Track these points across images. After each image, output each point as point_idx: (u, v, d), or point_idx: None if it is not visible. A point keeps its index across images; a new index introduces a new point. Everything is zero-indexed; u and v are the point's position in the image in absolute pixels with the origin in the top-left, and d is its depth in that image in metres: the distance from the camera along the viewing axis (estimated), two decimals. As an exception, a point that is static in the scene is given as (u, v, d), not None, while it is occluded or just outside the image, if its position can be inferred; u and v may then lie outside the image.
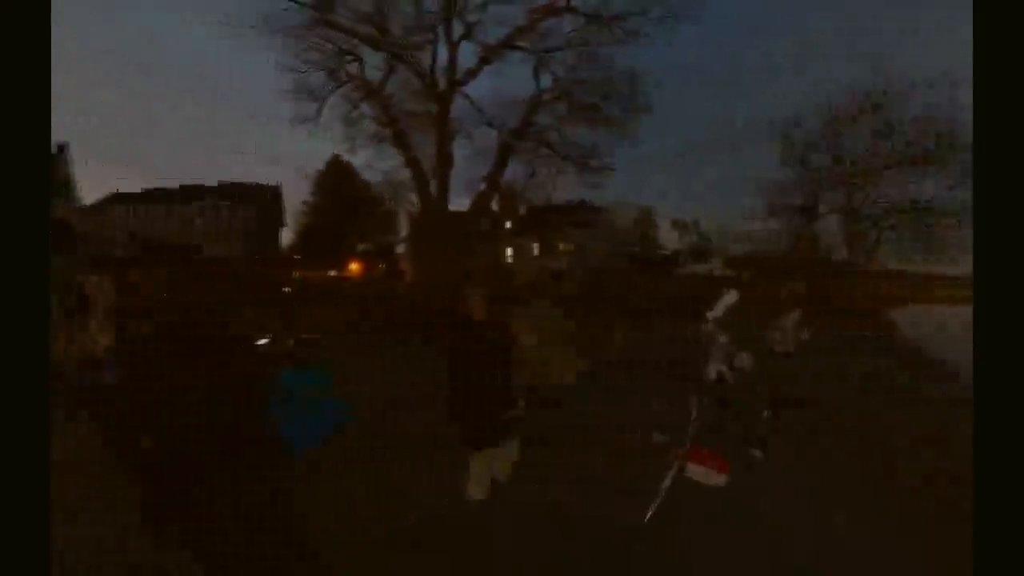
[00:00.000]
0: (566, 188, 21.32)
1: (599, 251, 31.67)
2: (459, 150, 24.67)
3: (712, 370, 3.45)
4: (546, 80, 17.76)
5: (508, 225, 34.06)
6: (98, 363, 1.67)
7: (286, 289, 19.06)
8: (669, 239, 37.22)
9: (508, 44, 16.89)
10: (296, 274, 26.94)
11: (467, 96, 17.60)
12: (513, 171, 19.81)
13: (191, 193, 36.89)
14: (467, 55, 18.23)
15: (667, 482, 2.92)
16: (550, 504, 3.14)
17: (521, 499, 3.14)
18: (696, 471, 3.04)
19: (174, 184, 37.54)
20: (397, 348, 8.72)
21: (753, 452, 3.61)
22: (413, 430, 4.32)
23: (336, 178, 36.03)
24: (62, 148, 34.36)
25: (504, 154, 17.76)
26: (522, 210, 30.93)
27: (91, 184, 41.75)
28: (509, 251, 34.70)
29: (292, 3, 14.77)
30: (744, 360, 3.55)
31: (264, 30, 15.14)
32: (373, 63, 16.64)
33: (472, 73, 17.06)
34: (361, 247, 38.64)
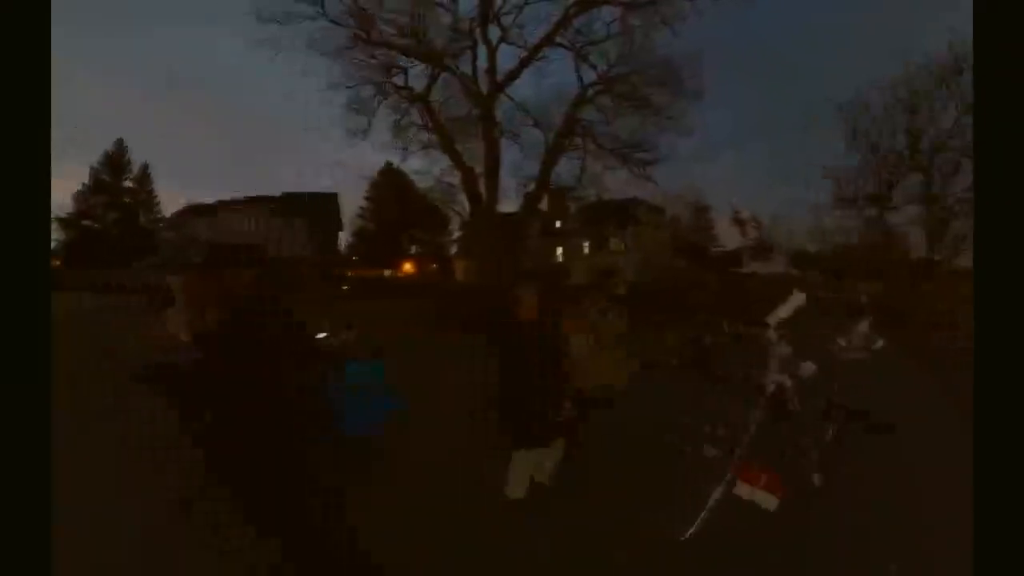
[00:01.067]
0: (617, 184, 20.77)
1: (652, 249, 30.74)
2: (507, 151, 24.73)
3: (771, 380, 3.13)
4: (589, 74, 17.37)
5: (558, 224, 33.91)
6: (177, 348, 1.86)
7: (344, 287, 20.12)
8: (727, 235, 35.35)
9: (547, 42, 16.73)
10: (353, 274, 28.51)
11: (511, 97, 17.64)
12: (562, 169, 19.62)
13: (257, 203, 39.46)
14: (508, 57, 18.38)
15: (714, 499, 2.69)
16: (591, 510, 3.03)
17: (561, 503, 3.05)
18: (745, 490, 2.76)
19: (241, 195, 39.93)
20: (448, 344, 8.90)
21: (812, 476, 3.17)
22: (460, 425, 4.36)
23: (389, 184, 37.26)
24: (146, 168, 38.36)
25: (551, 153, 17.56)
26: (572, 209, 30.62)
27: (170, 198, 45.63)
28: (560, 251, 34.59)
29: (333, 24, 15.35)
30: (807, 370, 3.18)
31: (314, 53, 15.86)
32: (417, 73, 17.05)
33: (513, 74, 17.07)
34: (414, 248, 40.11)
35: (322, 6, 15.19)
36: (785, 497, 2.70)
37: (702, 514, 2.60)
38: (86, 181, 36.99)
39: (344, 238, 43.09)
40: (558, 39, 16.80)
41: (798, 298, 3.14)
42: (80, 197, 36.78)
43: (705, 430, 4.00)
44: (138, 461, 3.31)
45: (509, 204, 19.49)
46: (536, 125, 18.02)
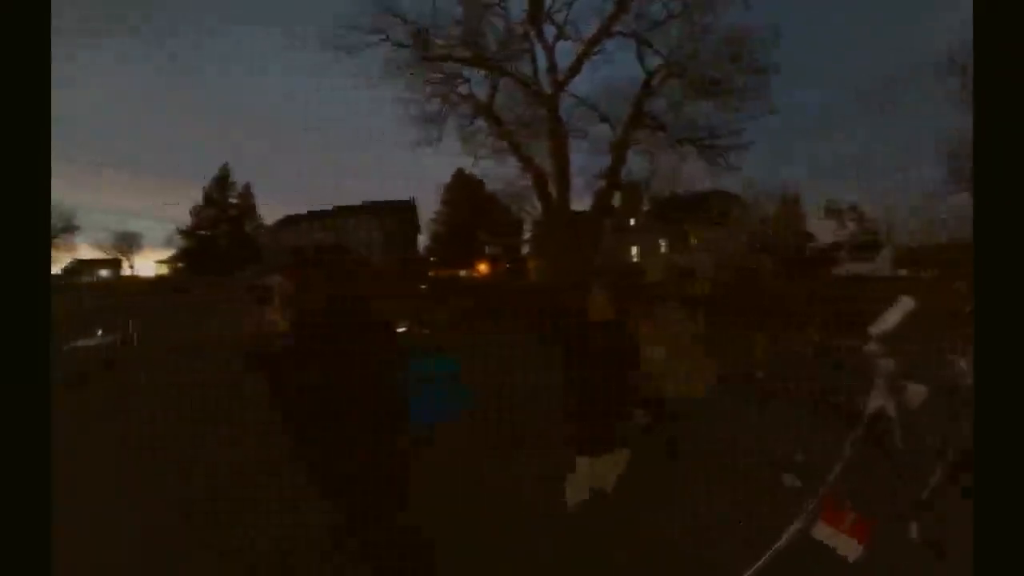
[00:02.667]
0: (695, 176, 19.44)
1: (736, 246, 28.48)
2: (576, 150, 24.32)
3: (872, 403, 2.57)
4: (653, 60, 16.55)
5: (632, 222, 32.79)
6: (275, 338, 2.10)
7: (421, 287, 21.06)
8: (822, 229, 31.66)
9: (604, 32, 16.18)
10: (430, 274, 29.83)
11: (574, 95, 17.36)
12: (634, 164, 18.91)
13: (344, 212, 42.64)
14: (567, 55, 17.99)
15: (786, 537, 2.30)
16: (652, 527, 2.87)
17: (621, 516, 2.90)
18: (825, 532, 2.30)
19: (329, 205, 43.72)
20: (520, 343, 8.95)
21: (910, 525, 2.54)
22: (525, 425, 4.34)
23: (461, 189, 38.86)
24: (248, 186, 43.06)
25: (620, 147, 17.04)
26: (646, 204, 29.26)
27: (270, 210, 50.38)
28: (634, 249, 33.29)
29: (398, 46, 15.98)
30: (917, 395, 2.57)
31: (384, 74, 16.67)
32: (480, 80, 17.34)
33: (574, 70, 16.80)
34: (488, 249, 41.09)
35: (386, 34, 15.95)
36: (871, 548, 2.25)
37: (769, 553, 2.23)
38: (200, 199, 43.10)
39: (422, 241, 45.10)
40: (616, 28, 16.24)
41: (906, 304, 2.56)
42: (195, 212, 42.76)
43: (787, 456, 3.63)
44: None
45: (581, 202, 19.22)
46: (603, 120, 17.64)
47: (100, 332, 10.30)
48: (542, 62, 16.85)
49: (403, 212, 42.81)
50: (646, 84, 16.68)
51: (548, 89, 16.82)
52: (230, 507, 3.29)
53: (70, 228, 42.93)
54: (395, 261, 34.87)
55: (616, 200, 23.92)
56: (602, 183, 18.09)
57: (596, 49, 16.64)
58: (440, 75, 17.10)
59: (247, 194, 44.35)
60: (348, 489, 2.00)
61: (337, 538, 2.24)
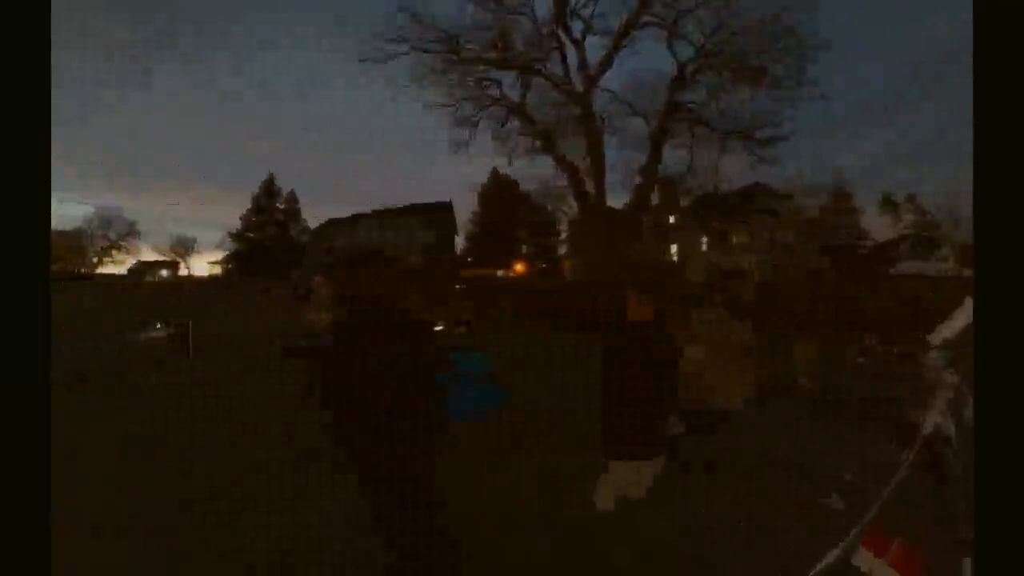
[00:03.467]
0: (736, 170, 18.73)
1: (781, 244, 27.13)
2: (611, 146, 23.92)
3: (929, 421, 2.28)
4: (686, 50, 15.84)
5: (671, 219, 31.81)
6: (317, 334, 2.19)
7: (458, 286, 21.27)
8: (877, 225, 29.56)
9: (632, 25, 15.72)
10: (467, 274, 30.10)
11: (607, 90, 17.07)
12: (671, 159, 18.33)
13: (383, 215, 44.04)
14: (598, 50, 17.59)
15: (825, 562, 2.08)
16: (678, 543, 2.75)
17: (650, 528, 2.80)
18: (866, 560, 2.05)
19: (369, 209, 45.61)
20: (556, 342, 8.91)
21: (963, 562, 2.11)
22: (556, 425, 4.29)
23: (497, 190, 39.34)
24: (293, 192, 46.43)
25: (656, 141, 16.49)
26: (685, 201, 28.25)
27: (314, 214, 52.77)
28: (674, 248, 32.25)
29: (427, 53, 16.12)
30: None
31: (416, 80, 16.84)
32: (511, 82, 17.27)
33: (604, 65, 16.42)
34: (524, 249, 41.24)
35: (415, 43, 16.10)
36: None
37: None
38: (249, 206, 46.63)
39: (459, 242, 45.74)
40: (645, 18, 15.69)
41: (972, 308, 2.22)
42: (245, 218, 46.21)
43: (832, 474, 3.37)
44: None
45: (617, 200, 18.91)
46: (637, 114, 17.15)
47: (159, 325, 11.42)
48: (572, 59, 16.65)
49: (440, 214, 43.61)
50: (679, 75, 16.04)
51: (580, 86, 16.58)
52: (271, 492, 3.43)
53: (133, 233, 49.03)
54: (432, 262, 35.47)
55: (654, 197, 23.31)
56: (638, 179, 17.63)
57: (625, 42, 16.16)
58: (471, 79, 17.21)
59: (292, 200, 47.46)
60: (377, 484, 2.06)
61: (365, 531, 2.29)
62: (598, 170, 16.52)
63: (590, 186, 16.71)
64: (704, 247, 30.98)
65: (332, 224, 46.60)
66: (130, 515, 3.12)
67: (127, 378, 7.03)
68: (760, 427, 4.15)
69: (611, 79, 23.47)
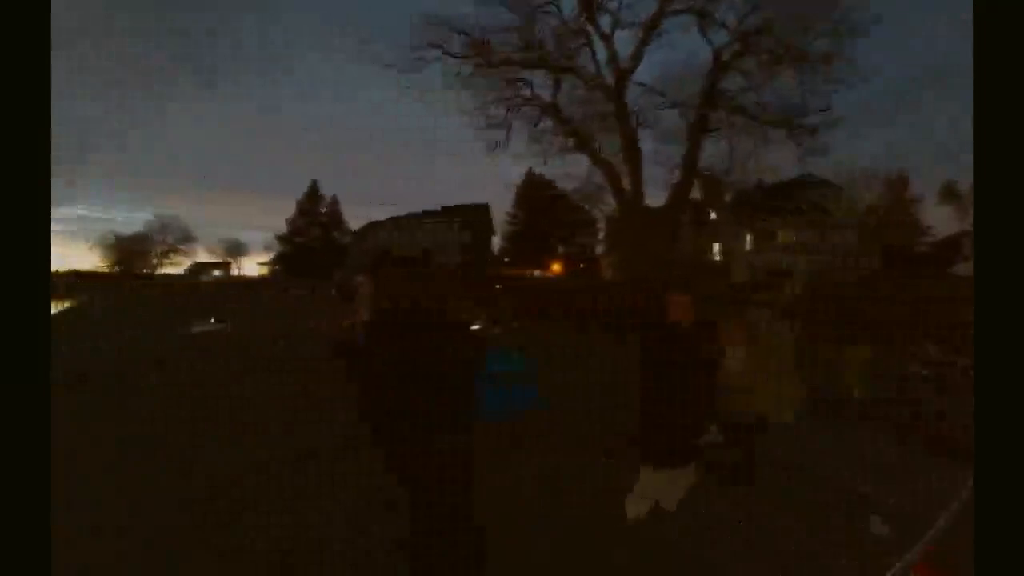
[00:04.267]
0: (782, 162, 17.52)
1: (832, 241, 25.57)
2: (648, 141, 23.29)
3: None
4: (720, 35, 15.02)
5: (713, 215, 30.28)
6: (358, 332, 2.29)
7: (496, 286, 21.43)
8: (939, 219, 27.18)
9: (662, 13, 15.07)
10: (504, 274, 30.34)
11: (639, 83, 16.39)
12: (711, 152, 17.39)
13: (422, 217, 45.11)
14: (628, 44, 16.96)
15: None
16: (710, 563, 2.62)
17: (681, 544, 2.70)
18: None
19: (406, 211, 46.95)
20: (593, 343, 8.80)
21: None
22: (591, 428, 4.22)
23: (533, 190, 39.36)
24: (335, 197, 48.61)
25: (694, 134, 15.74)
26: (728, 196, 27.08)
27: (355, 216, 54.73)
28: (716, 247, 31.11)
29: (457, 58, 16.11)
30: None
31: (448, 86, 16.86)
32: (542, 81, 17.02)
33: (636, 58, 15.81)
34: (562, 249, 41.12)
35: (443, 49, 16.15)
36: None
37: None
38: (294, 211, 49.90)
39: (496, 243, 46.20)
40: (675, 5, 15.03)
41: None
42: (291, 221, 49.27)
43: (879, 496, 3.14)
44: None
45: (656, 197, 18.44)
46: (673, 106, 16.42)
47: (212, 320, 13.24)
48: (602, 54, 16.18)
49: (477, 215, 44.24)
50: (715, 62, 15.20)
51: (611, 81, 16.06)
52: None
53: (189, 238, 52.63)
54: (470, 262, 35.96)
55: (694, 193, 22.57)
56: (677, 175, 16.92)
57: (656, 32, 15.57)
58: (502, 81, 17.09)
59: (334, 204, 50.40)
60: (409, 478, 2.12)
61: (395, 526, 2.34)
62: (634, 166, 16.03)
63: (627, 183, 16.25)
64: (748, 245, 29.59)
65: (372, 226, 48.22)
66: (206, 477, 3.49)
67: (193, 365, 7.93)
68: (802, 440, 3.85)
69: (643, 72, 22.89)
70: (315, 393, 5.01)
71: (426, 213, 45.11)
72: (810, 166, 19.19)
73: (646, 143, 17.37)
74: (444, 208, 45.08)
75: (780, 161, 17.16)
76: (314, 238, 48.46)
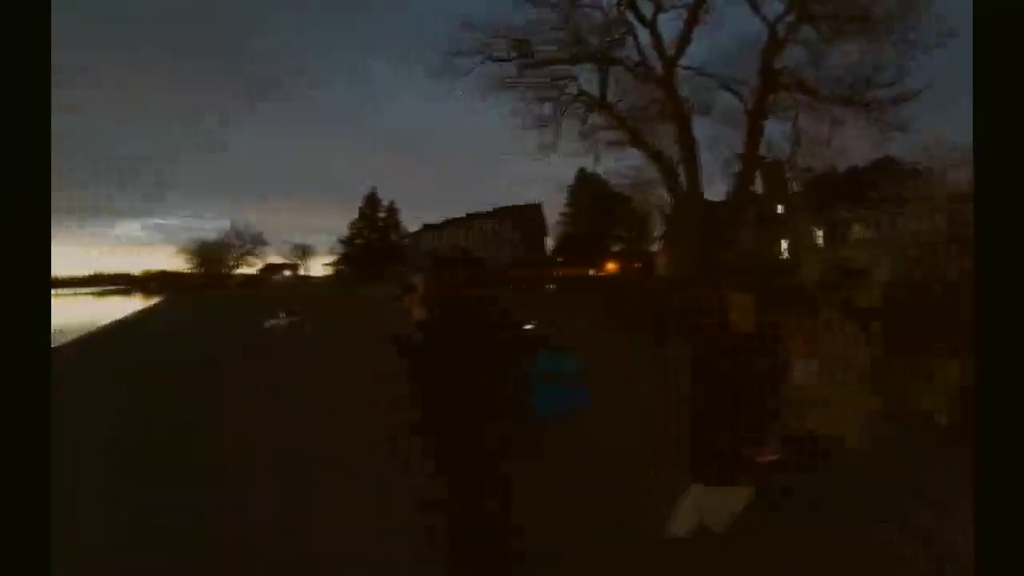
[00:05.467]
0: (857, 144, 15.50)
1: (919, 235, 22.91)
2: (704, 128, 22.03)
3: None
4: (773, 5, 13.42)
5: (779, 209, 27.72)
6: (413, 326, 2.40)
7: (549, 286, 21.37)
8: None
9: None
10: (558, 274, 30.19)
11: (689, 67, 15.23)
12: (774, 136, 15.92)
13: (475, 218, 46.00)
14: (673, 28, 15.67)
15: None
16: None
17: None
18: None
19: (463, 213, 49.08)
20: (647, 346, 8.55)
21: None
22: (634, 435, 4.06)
23: (585, 188, 38.93)
24: (392, 203, 51.82)
25: (754, 118, 14.25)
26: (795, 185, 24.99)
27: (412, 218, 57.76)
28: (783, 243, 28.94)
29: (500, 61, 15.94)
30: None
31: (496, 89, 16.73)
32: (588, 76, 16.46)
33: (683, 41, 14.70)
34: (616, 248, 40.35)
35: (486, 54, 16.05)
36: None
37: None
38: (355, 216, 53.81)
39: (548, 243, 46.20)
40: None
41: None
42: (353, 225, 53.03)
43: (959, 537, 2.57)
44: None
45: (717, 189, 17.50)
46: (727, 88, 15.02)
47: (283, 315, 15.51)
48: (646, 40, 15.23)
49: (530, 215, 44.39)
50: (770, 36, 13.56)
51: (659, 69, 15.07)
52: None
53: (262, 242, 60.93)
54: (522, 262, 36.14)
55: (756, 184, 21.13)
56: (738, 164, 15.71)
57: (704, 7, 14.46)
58: (546, 80, 16.66)
59: (392, 209, 53.96)
60: (455, 470, 2.16)
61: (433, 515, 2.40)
62: (690, 157, 14.98)
63: (682, 176, 15.31)
64: (819, 241, 27.33)
65: (428, 229, 49.82)
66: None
67: (267, 352, 9.99)
68: (878, 464, 3.39)
69: (693, 55, 21.35)
70: (377, 380, 5.33)
71: (479, 215, 45.89)
72: (889, 148, 16.68)
73: (702, 131, 16.36)
74: (497, 209, 45.69)
75: (854, 144, 15.26)
76: (373, 240, 51.80)
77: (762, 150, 15.59)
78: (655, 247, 37.65)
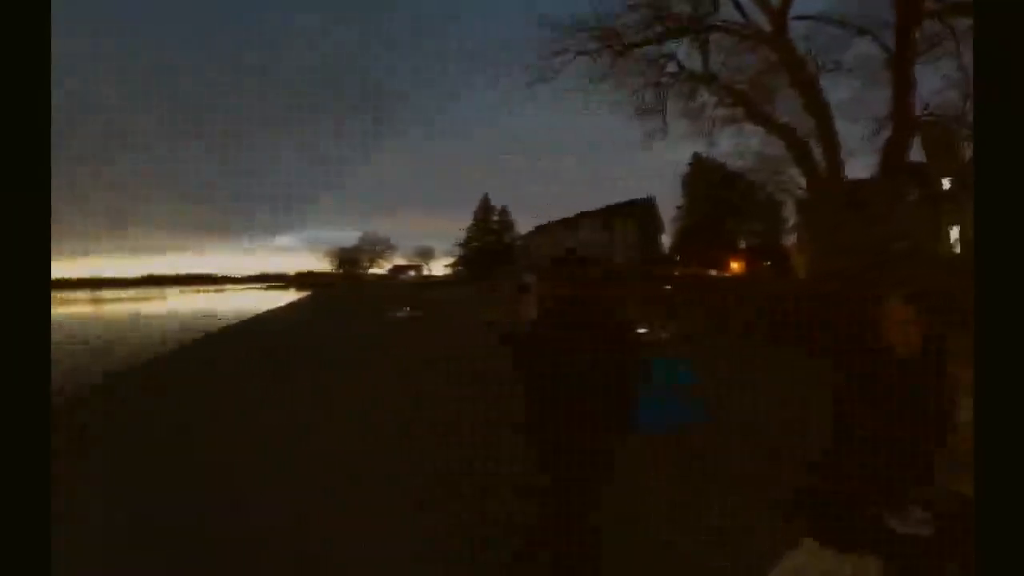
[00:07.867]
0: None
1: None
2: (837, 90, 18.48)
3: None
4: None
5: (946, 184, 20.71)
6: (526, 324, 2.50)
7: (666, 287, 20.26)
8: None
9: None
10: (675, 274, 28.42)
11: (805, 17, 12.63)
12: (930, 93, 12.52)
13: (586, 217, 45.98)
14: None
15: None
16: None
17: None
18: None
19: (572, 213, 48.81)
20: (780, 360, 7.69)
21: None
22: (753, 462, 3.65)
23: (702, 176, 36.13)
24: (504, 207, 56.61)
25: (902, 71, 11.10)
26: (967, 154, 19.85)
27: (523, 222, 60.23)
28: (954, 231, 22.73)
29: (586, 55, 14.95)
30: None
31: (589, 84, 15.73)
32: (686, 51, 14.68)
33: None
34: (743, 243, 36.90)
35: (575, 51, 15.14)
36: None
37: None
38: (472, 220, 59.73)
39: (665, 240, 44.00)
40: None
41: None
42: (470, 230, 58.99)
43: None
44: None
45: (859, 165, 14.51)
46: (861, 33, 11.97)
47: (406, 309, 18.72)
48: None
49: (642, 211, 42.63)
50: None
51: (767, 26, 12.70)
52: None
53: (389, 246, 73.27)
54: (636, 261, 34.76)
55: (914, 154, 17.10)
56: (886, 132, 12.25)
57: None
58: (641, 64, 15.13)
59: (504, 213, 59.15)
60: (553, 471, 2.18)
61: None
62: (824, 127, 12.15)
63: (818, 151, 12.68)
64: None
65: (539, 230, 50.71)
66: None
67: (392, 340, 12.02)
68: None
69: (805, 1, 17.82)
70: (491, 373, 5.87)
71: (591, 214, 45.31)
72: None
73: (835, 94, 13.58)
74: (608, 207, 44.65)
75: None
76: (489, 242, 56.04)
77: (917, 109, 12.22)
78: (789, 242, 33.52)
